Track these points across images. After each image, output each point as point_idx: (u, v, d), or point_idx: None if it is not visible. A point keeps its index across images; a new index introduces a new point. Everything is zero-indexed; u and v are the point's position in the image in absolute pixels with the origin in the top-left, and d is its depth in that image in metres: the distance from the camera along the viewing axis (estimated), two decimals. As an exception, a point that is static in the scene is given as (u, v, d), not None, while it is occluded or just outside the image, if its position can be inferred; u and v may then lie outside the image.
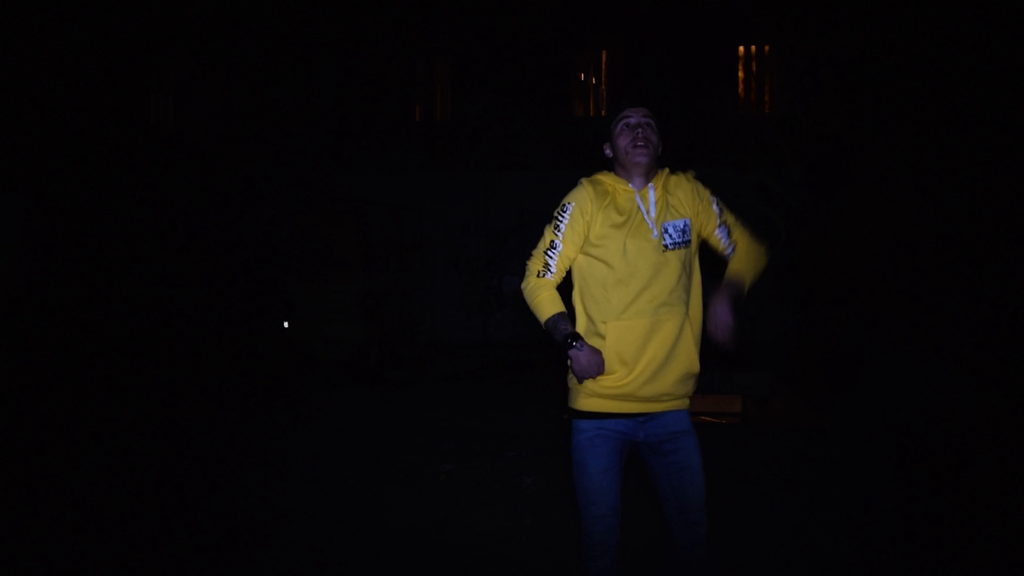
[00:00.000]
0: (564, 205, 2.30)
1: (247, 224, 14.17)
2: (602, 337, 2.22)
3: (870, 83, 12.39)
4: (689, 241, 2.29)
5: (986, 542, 3.65)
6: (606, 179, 2.35)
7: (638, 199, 2.30)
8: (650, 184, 2.33)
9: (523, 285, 2.33)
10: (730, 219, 2.43)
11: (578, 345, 2.17)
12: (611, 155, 2.38)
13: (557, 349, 2.23)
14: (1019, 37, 10.85)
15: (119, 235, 13.84)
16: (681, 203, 2.34)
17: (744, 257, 2.41)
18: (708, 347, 2.35)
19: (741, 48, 13.68)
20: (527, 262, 2.36)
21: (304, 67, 14.34)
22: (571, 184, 2.39)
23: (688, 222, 2.30)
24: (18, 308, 12.31)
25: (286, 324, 10.47)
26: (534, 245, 2.40)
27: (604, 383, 2.22)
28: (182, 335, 13.33)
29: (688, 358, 2.27)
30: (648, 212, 2.27)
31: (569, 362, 2.23)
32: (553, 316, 2.24)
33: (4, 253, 12.69)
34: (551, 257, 2.29)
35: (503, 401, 7.63)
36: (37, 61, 13.12)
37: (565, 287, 2.39)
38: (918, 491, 4.45)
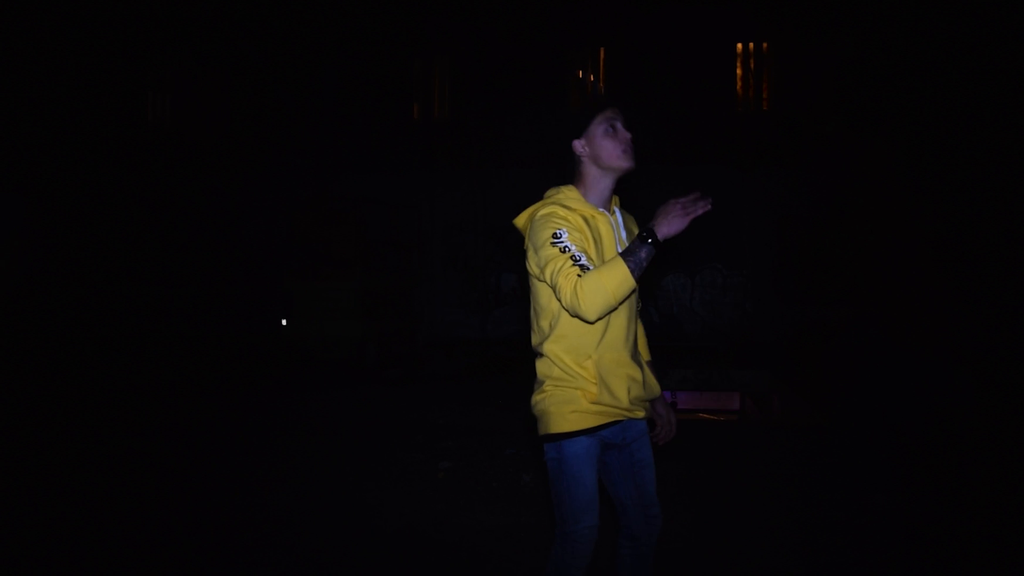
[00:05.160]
0: (556, 232, 2.12)
1: (246, 223, 14.16)
2: (584, 370, 2.20)
3: (870, 82, 12.38)
4: None
5: (985, 541, 3.66)
6: (574, 204, 2.23)
7: (613, 225, 2.28)
8: (615, 208, 2.35)
9: (575, 299, 2.02)
10: None
11: (658, 226, 2.03)
12: (586, 152, 2.26)
13: (649, 256, 2.03)
14: (1019, 37, 10.85)
15: (118, 235, 13.82)
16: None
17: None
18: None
19: (739, 45, 13.66)
20: (556, 289, 2.08)
21: (302, 66, 14.33)
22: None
23: None
24: (18, 308, 12.30)
25: (284, 322, 10.47)
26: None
27: (591, 405, 2.21)
28: (181, 335, 13.32)
29: (649, 379, 2.35)
30: (620, 240, 2.29)
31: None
32: (622, 259, 2.03)
33: (4, 253, 12.68)
34: (579, 260, 2.08)
35: (501, 399, 7.63)
36: (35, 60, 13.10)
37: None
38: (917, 490, 4.46)
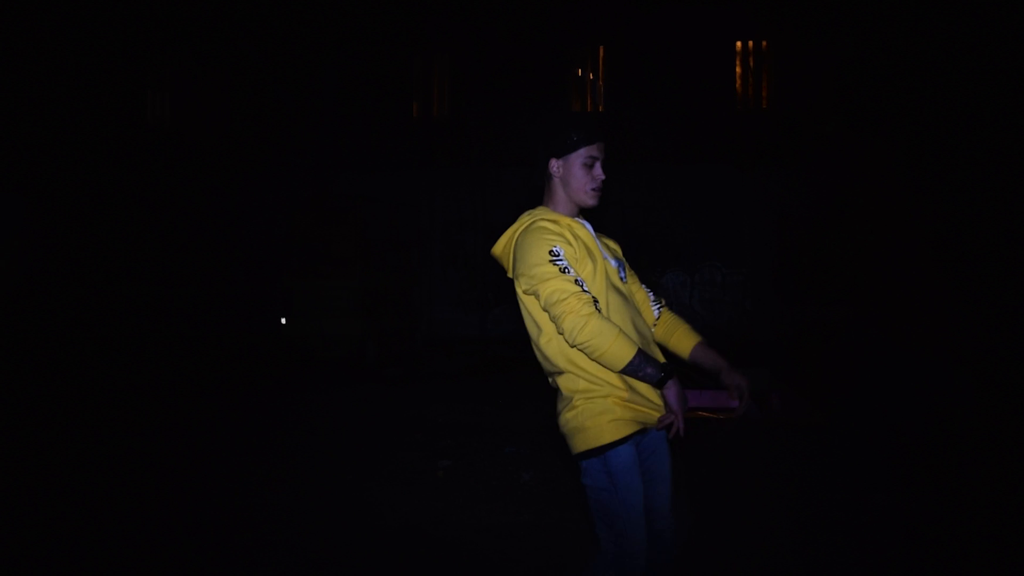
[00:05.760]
0: (552, 249, 2.09)
1: (245, 222, 14.15)
2: (608, 374, 2.12)
3: (870, 81, 12.38)
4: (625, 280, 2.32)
5: (985, 541, 3.66)
6: (552, 216, 2.22)
7: (589, 229, 2.27)
8: (584, 220, 2.31)
9: (582, 325, 2.00)
10: None
11: (673, 379, 2.07)
12: (559, 174, 2.23)
13: (651, 378, 2.07)
14: (1019, 37, 10.85)
15: (118, 234, 13.82)
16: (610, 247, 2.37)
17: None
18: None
19: (739, 44, 13.66)
20: (559, 306, 2.03)
21: (302, 65, 14.32)
22: None
23: (621, 263, 2.33)
24: (18, 308, 12.31)
25: (284, 321, 10.47)
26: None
27: (626, 411, 2.13)
28: (181, 334, 13.32)
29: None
30: (597, 243, 2.27)
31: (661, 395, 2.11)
32: (638, 354, 2.04)
33: (4, 253, 12.68)
34: (584, 287, 2.07)
35: (501, 397, 7.63)
36: (35, 60, 13.10)
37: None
38: (916, 489, 4.45)
